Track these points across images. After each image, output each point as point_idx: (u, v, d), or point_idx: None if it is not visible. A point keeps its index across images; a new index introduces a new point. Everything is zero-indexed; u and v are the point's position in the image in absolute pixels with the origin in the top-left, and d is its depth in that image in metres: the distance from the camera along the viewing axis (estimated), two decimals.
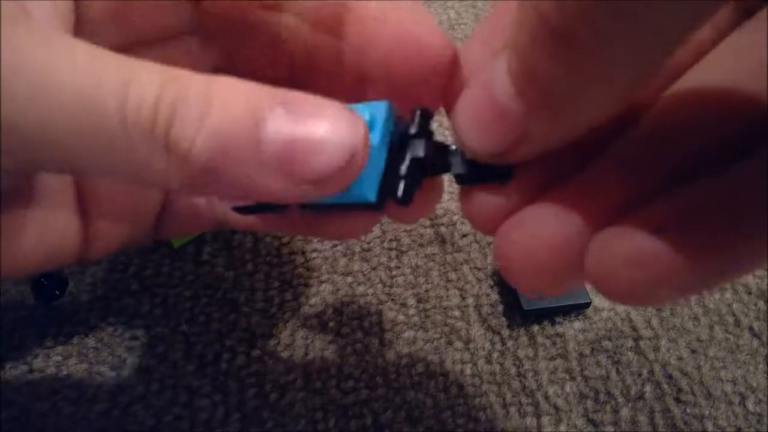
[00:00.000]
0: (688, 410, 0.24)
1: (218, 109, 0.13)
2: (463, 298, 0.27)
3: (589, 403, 0.24)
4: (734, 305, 0.27)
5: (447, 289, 0.27)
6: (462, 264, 0.28)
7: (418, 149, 0.15)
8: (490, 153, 0.13)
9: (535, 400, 0.24)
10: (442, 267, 0.28)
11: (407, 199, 0.15)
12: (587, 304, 0.26)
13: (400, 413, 0.24)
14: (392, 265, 0.28)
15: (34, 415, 0.23)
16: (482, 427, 0.23)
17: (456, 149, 0.15)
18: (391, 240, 0.29)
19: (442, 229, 0.30)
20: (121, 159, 0.13)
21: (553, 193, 0.14)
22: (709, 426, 0.24)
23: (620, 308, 0.27)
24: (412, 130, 0.15)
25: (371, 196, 0.15)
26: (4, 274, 0.17)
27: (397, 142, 0.15)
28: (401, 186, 0.15)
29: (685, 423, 0.24)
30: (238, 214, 0.18)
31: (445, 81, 0.16)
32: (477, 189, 0.15)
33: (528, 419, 0.24)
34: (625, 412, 0.24)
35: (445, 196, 0.31)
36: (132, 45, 0.18)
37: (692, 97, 0.13)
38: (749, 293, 0.28)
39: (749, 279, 0.28)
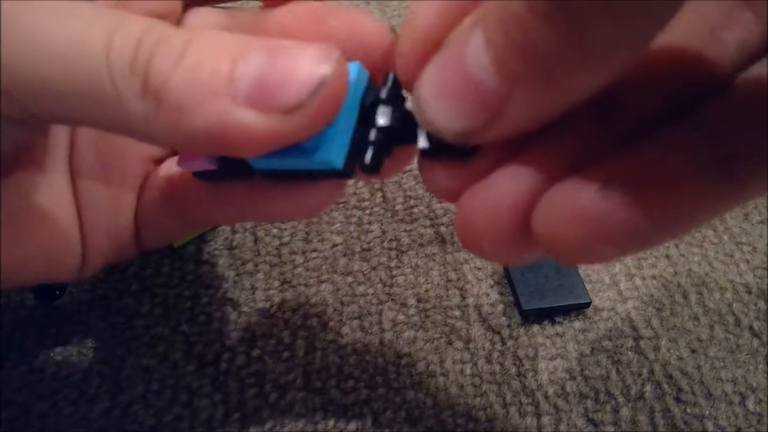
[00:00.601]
0: (688, 410, 0.24)
1: (196, 50, 0.13)
2: (463, 298, 0.27)
3: (589, 403, 0.24)
4: (734, 305, 0.27)
5: (447, 289, 0.27)
6: (462, 264, 0.28)
7: (387, 116, 0.15)
8: (456, 131, 0.13)
9: (535, 400, 0.24)
10: (442, 267, 0.28)
11: (375, 167, 0.15)
12: (587, 304, 0.26)
13: (400, 413, 0.24)
14: (392, 264, 0.28)
15: (34, 415, 0.23)
16: (482, 427, 0.23)
17: None
18: (391, 240, 0.29)
19: (442, 228, 0.30)
20: (104, 101, 0.13)
21: (515, 158, 0.14)
22: (709, 426, 0.24)
23: (620, 308, 0.27)
24: (383, 95, 0.15)
25: (339, 162, 0.14)
26: (5, 285, 0.17)
27: (369, 107, 0.15)
28: (369, 153, 0.15)
29: (685, 423, 0.24)
30: (200, 180, 0.17)
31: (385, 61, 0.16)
32: (438, 164, 0.14)
33: (528, 419, 0.24)
34: (625, 412, 0.24)
35: None
36: None
37: (642, 58, 0.12)
38: (749, 293, 0.28)
39: (749, 279, 0.28)
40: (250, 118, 0.13)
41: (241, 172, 0.16)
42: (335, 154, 0.14)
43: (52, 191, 0.18)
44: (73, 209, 0.19)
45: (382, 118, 0.15)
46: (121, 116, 0.13)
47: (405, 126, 0.15)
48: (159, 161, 0.20)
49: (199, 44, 0.13)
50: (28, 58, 0.13)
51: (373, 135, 0.15)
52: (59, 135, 0.19)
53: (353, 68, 0.15)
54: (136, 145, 0.20)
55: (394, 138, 0.15)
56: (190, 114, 0.13)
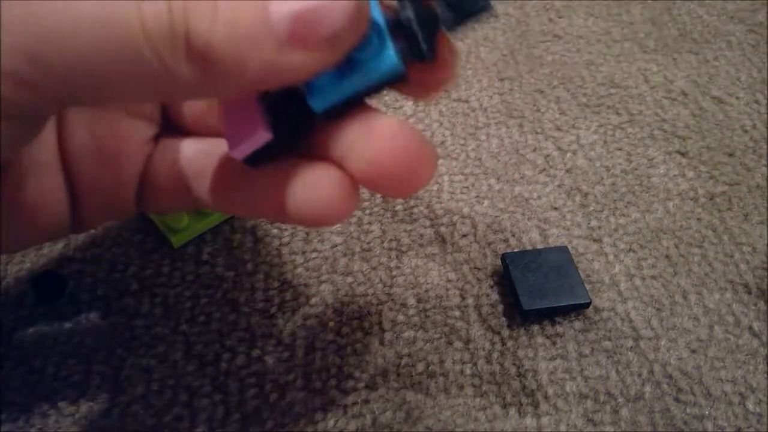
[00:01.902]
0: (688, 410, 0.24)
1: (226, 4, 0.13)
2: (463, 298, 0.27)
3: (589, 403, 0.24)
4: (734, 305, 0.27)
5: (447, 289, 0.27)
6: (462, 264, 0.28)
7: (410, 8, 0.15)
8: None
9: (535, 400, 0.24)
10: (442, 267, 0.28)
11: (432, 52, 0.15)
12: (587, 304, 0.26)
13: (400, 413, 0.24)
14: (392, 265, 0.28)
15: (34, 415, 0.23)
16: (482, 427, 0.23)
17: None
18: (391, 240, 0.29)
19: (442, 229, 0.30)
20: (146, 74, 0.14)
21: None
22: (709, 426, 0.24)
23: (620, 308, 0.27)
24: None
25: (397, 62, 0.15)
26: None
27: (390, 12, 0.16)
28: (421, 41, 0.15)
29: (685, 423, 0.24)
30: (251, 165, 0.17)
31: None
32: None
33: (528, 419, 0.24)
34: (624, 412, 0.24)
35: (445, 196, 0.31)
36: None
37: None
38: (749, 293, 0.28)
39: (749, 279, 0.28)
40: (296, 58, 0.14)
41: (299, 129, 0.17)
42: (389, 56, 0.15)
43: (41, 174, 0.18)
44: (64, 193, 0.19)
45: (408, 11, 0.15)
46: (167, 82, 0.14)
47: (426, 9, 0.15)
48: (155, 138, 0.21)
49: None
50: (59, 39, 0.13)
51: (414, 26, 0.15)
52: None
53: None
54: (134, 127, 0.20)
55: (426, 23, 0.15)
56: (239, 67, 0.14)
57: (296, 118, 0.16)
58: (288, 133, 0.17)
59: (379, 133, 0.16)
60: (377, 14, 0.15)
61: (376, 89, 0.16)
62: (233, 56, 0.13)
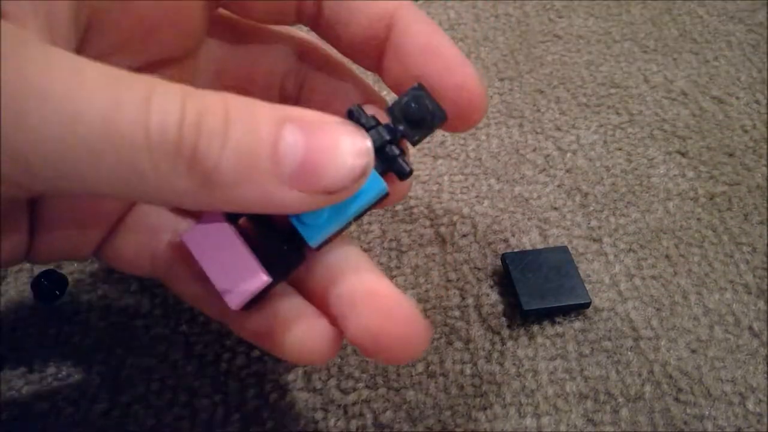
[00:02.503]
0: (688, 410, 0.24)
1: (239, 127, 0.13)
2: (463, 298, 0.27)
3: (589, 404, 0.24)
4: (734, 305, 0.27)
5: (447, 289, 0.27)
6: (462, 264, 0.28)
7: (390, 129, 0.17)
8: None
9: (535, 400, 0.24)
10: (442, 267, 0.28)
11: (411, 168, 0.17)
12: (587, 304, 0.26)
13: (400, 413, 0.24)
14: (392, 265, 0.28)
15: (34, 415, 0.23)
16: (482, 427, 0.23)
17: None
18: (391, 240, 0.29)
19: (442, 229, 0.30)
20: (141, 180, 0.13)
21: None
22: (709, 426, 0.24)
23: (620, 308, 0.27)
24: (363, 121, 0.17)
25: (383, 187, 0.17)
26: None
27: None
28: (402, 162, 0.17)
29: (685, 423, 0.24)
30: (247, 309, 0.17)
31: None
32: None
33: (528, 419, 0.24)
34: (624, 413, 0.24)
35: (445, 196, 0.31)
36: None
37: None
38: (749, 293, 0.28)
39: (749, 279, 0.28)
40: (293, 197, 0.14)
41: (292, 263, 0.17)
42: (378, 183, 0.16)
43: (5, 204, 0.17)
44: (25, 229, 0.18)
45: (384, 134, 0.17)
46: (158, 190, 0.13)
47: (395, 129, 0.17)
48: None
49: (237, 119, 0.13)
50: (52, 136, 0.12)
51: (391, 148, 0.17)
52: None
53: None
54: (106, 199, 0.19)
55: (397, 142, 0.17)
56: (238, 191, 0.14)
57: (290, 254, 0.17)
58: (283, 270, 0.17)
59: (381, 305, 0.16)
60: None
61: (364, 213, 0.17)
62: (235, 181, 0.13)
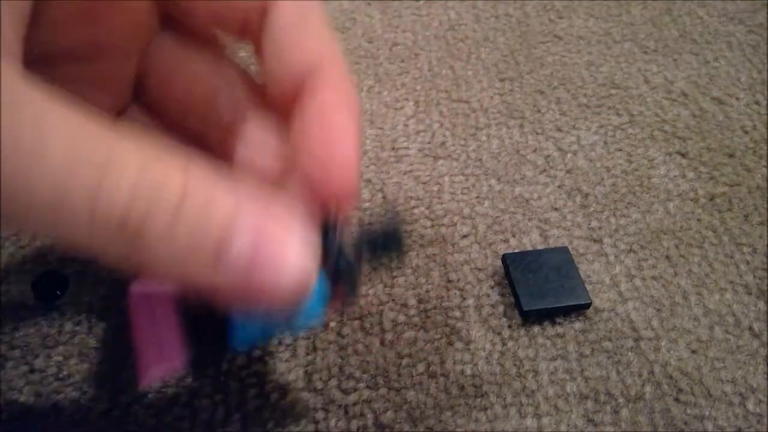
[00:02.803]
0: (688, 411, 0.24)
1: (191, 213, 0.13)
2: (464, 299, 0.27)
3: (590, 404, 0.24)
4: (734, 306, 0.27)
5: (447, 290, 0.27)
6: (462, 264, 0.28)
7: (344, 260, 0.17)
8: None
9: (536, 400, 0.24)
10: (443, 267, 0.28)
11: (357, 296, 0.18)
12: (587, 305, 0.26)
13: (400, 413, 0.24)
14: (393, 265, 0.28)
15: (34, 415, 0.23)
16: (483, 428, 0.23)
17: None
18: None
19: (443, 229, 0.30)
20: (84, 239, 0.13)
21: None
22: (709, 426, 0.24)
23: (620, 309, 0.27)
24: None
25: (321, 319, 0.17)
26: None
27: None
28: (349, 291, 0.17)
29: (685, 423, 0.24)
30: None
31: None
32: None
33: (528, 420, 0.24)
34: (625, 413, 0.24)
35: (446, 197, 0.31)
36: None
37: None
38: (749, 294, 0.28)
39: (749, 279, 0.28)
40: (225, 294, 0.14)
41: (214, 354, 0.18)
42: (316, 315, 0.16)
43: None
44: None
45: (342, 262, 0.17)
46: (93, 252, 0.13)
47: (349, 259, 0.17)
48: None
49: (192, 204, 0.13)
50: (23, 181, 0.12)
51: (342, 276, 0.17)
52: None
53: None
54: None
55: (351, 270, 0.18)
56: (172, 270, 0.13)
57: (213, 347, 0.18)
58: (201, 359, 0.18)
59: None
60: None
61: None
62: (172, 262, 0.13)
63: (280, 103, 0.19)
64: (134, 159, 0.13)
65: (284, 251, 0.14)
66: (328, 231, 0.17)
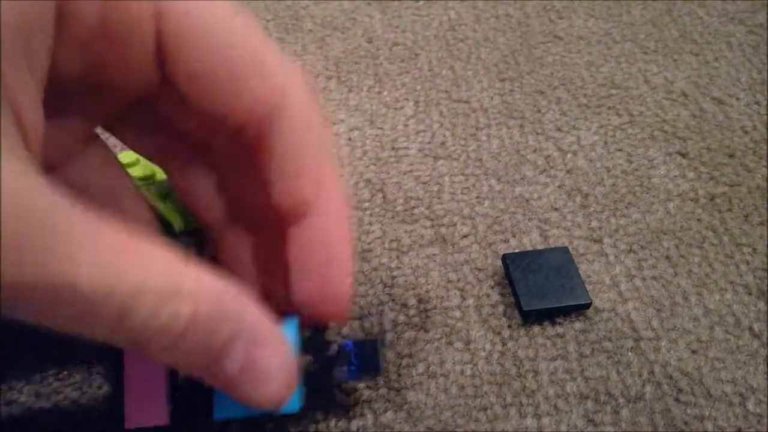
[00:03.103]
0: (689, 411, 0.24)
1: (194, 335, 0.14)
2: (464, 299, 0.27)
3: (590, 404, 0.24)
4: (734, 306, 0.27)
5: (447, 290, 0.27)
6: (462, 264, 0.28)
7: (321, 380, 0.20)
8: None
9: (536, 400, 0.24)
10: (443, 267, 0.28)
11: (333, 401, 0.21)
12: (588, 305, 0.26)
13: (400, 413, 0.24)
14: (393, 265, 0.28)
15: (34, 415, 0.23)
16: (483, 428, 0.23)
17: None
18: (391, 240, 0.29)
19: (443, 229, 0.30)
20: (80, 331, 0.14)
21: None
22: (710, 426, 0.24)
23: (620, 309, 0.27)
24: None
25: (298, 408, 0.18)
26: None
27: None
28: (341, 395, 0.20)
29: (686, 423, 0.24)
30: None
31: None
32: None
33: (528, 420, 0.24)
34: (625, 413, 0.24)
35: (446, 197, 0.31)
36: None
37: None
38: (749, 294, 0.28)
39: (749, 280, 0.28)
40: (214, 384, 0.16)
41: (196, 419, 0.19)
42: (294, 404, 0.18)
43: None
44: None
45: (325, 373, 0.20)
46: (84, 334, 0.14)
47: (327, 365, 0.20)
48: None
49: (198, 327, 0.14)
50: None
51: (321, 382, 0.19)
52: None
53: (292, 324, 0.18)
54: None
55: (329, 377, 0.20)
56: (164, 361, 0.15)
57: (197, 414, 0.19)
58: (185, 419, 0.19)
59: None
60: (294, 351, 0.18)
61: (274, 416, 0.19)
62: (168, 356, 0.15)
63: (271, 218, 0.18)
64: (157, 290, 0.13)
65: (270, 372, 0.16)
66: (310, 337, 0.19)
